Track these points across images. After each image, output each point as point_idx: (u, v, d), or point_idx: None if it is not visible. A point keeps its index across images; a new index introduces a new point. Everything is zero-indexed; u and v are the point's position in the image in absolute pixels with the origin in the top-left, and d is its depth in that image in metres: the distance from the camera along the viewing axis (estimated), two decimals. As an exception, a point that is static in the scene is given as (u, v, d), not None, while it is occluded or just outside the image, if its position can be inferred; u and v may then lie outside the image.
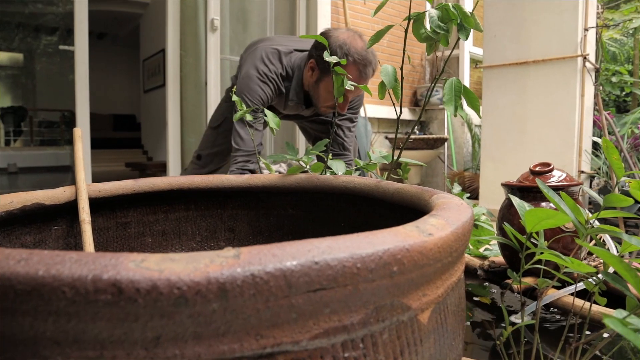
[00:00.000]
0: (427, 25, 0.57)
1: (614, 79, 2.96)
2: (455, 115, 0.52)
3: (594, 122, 2.28)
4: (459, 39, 0.53)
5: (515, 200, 0.47)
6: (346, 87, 1.41)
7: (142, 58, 7.66)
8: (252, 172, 1.42)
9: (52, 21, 8.67)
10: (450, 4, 0.49)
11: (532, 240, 0.57)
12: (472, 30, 0.63)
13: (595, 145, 2.27)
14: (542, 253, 0.44)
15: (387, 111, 3.65)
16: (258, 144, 1.43)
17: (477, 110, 0.51)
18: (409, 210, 0.59)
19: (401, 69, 0.54)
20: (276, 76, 1.46)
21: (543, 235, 0.48)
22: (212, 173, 1.66)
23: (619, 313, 0.38)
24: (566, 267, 0.46)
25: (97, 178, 1.75)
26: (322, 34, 1.41)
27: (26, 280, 0.23)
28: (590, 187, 2.18)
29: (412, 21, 0.53)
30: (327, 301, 0.25)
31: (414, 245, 0.28)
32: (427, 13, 0.52)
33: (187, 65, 2.74)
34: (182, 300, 0.22)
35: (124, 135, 9.41)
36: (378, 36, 0.53)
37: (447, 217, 0.36)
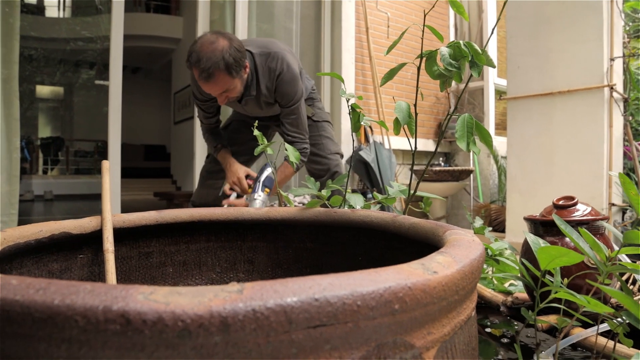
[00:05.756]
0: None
1: (645, 110, 2.88)
2: (468, 151, 0.53)
3: (624, 153, 2.23)
4: (471, 75, 0.54)
5: (530, 237, 0.46)
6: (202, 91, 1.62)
7: (173, 91, 7.96)
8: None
9: (91, 57, 9.16)
10: (461, 41, 0.51)
11: (551, 277, 0.56)
12: (495, 61, 0.64)
13: (628, 176, 2.20)
14: (557, 291, 0.43)
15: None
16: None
17: (489, 146, 0.51)
18: (424, 245, 0.59)
19: (415, 105, 0.55)
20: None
21: (559, 273, 0.47)
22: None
23: (638, 357, 0.37)
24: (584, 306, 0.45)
25: (125, 206, 1.81)
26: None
27: (43, 308, 0.24)
28: (623, 220, 2.11)
29: (424, 59, 0.54)
30: (328, 337, 0.25)
31: (417, 284, 0.28)
32: (439, 51, 0.53)
33: (215, 98, 2.83)
34: (186, 333, 0.23)
35: (154, 165, 9.71)
36: (391, 74, 0.55)
37: (455, 255, 0.36)
